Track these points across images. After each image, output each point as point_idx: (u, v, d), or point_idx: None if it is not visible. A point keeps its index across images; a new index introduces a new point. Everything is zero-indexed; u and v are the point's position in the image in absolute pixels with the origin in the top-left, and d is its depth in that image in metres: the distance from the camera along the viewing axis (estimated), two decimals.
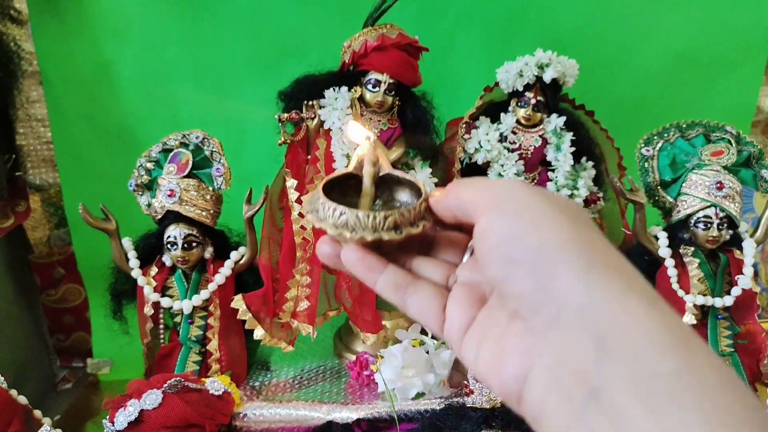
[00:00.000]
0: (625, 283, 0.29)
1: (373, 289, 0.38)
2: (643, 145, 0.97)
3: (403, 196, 0.42)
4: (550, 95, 0.94)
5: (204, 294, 0.88)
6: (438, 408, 0.81)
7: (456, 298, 0.36)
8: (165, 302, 0.88)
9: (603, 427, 0.27)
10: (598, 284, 0.29)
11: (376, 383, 0.87)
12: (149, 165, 0.91)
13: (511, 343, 0.32)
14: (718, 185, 0.90)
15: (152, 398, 0.71)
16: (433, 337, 0.91)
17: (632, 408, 0.26)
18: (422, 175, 0.93)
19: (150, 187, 0.91)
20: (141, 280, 0.88)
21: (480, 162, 0.95)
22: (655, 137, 0.97)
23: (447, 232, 0.40)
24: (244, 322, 0.88)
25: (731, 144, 0.94)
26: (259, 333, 0.87)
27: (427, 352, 0.88)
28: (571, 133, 0.95)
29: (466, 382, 0.71)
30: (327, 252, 0.38)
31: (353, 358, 0.92)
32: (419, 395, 0.84)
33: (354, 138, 0.43)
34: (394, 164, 0.94)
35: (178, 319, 0.90)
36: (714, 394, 0.26)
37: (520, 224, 0.32)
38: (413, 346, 0.88)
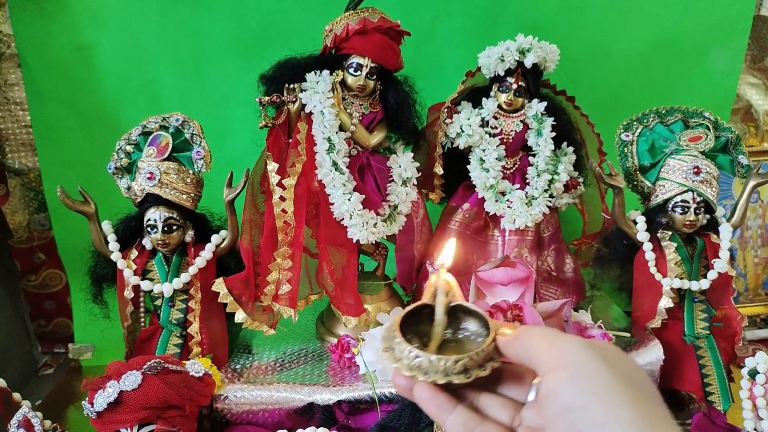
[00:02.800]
0: None
1: (443, 427, 0.40)
2: (622, 130, 0.98)
3: (472, 325, 0.45)
4: (531, 80, 0.94)
5: (185, 277, 0.88)
6: None
7: None
8: (145, 285, 0.88)
9: None
10: None
11: (358, 366, 0.87)
12: (129, 148, 0.90)
13: None
14: (696, 170, 0.91)
15: (132, 379, 0.71)
16: None
17: None
18: (404, 159, 0.93)
19: (129, 170, 0.90)
20: (121, 264, 0.87)
21: (461, 147, 0.96)
22: (635, 123, 0.98)
23: (514, 365, 0.42)
24: (225, 305, 0.88)
25: (709, 130, 0.96)
26: (240, 316, 0.87)
27: None
28: (552, 119, 0.95)
29: None
30: (402, 384, 0.41)
31: (335, 341, 0.93)
32: None
33: (439, 257, 0.45)
34: (377, 148, 0.94)
35: (158, 302, 0.90)
36: None
37: (585, 395, 0.33)
38: None
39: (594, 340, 0.38)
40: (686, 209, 0.91)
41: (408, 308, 0.44)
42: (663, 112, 0.98)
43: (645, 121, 0.98)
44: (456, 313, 0.45)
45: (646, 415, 0.33)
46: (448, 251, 0.46)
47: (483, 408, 0.41)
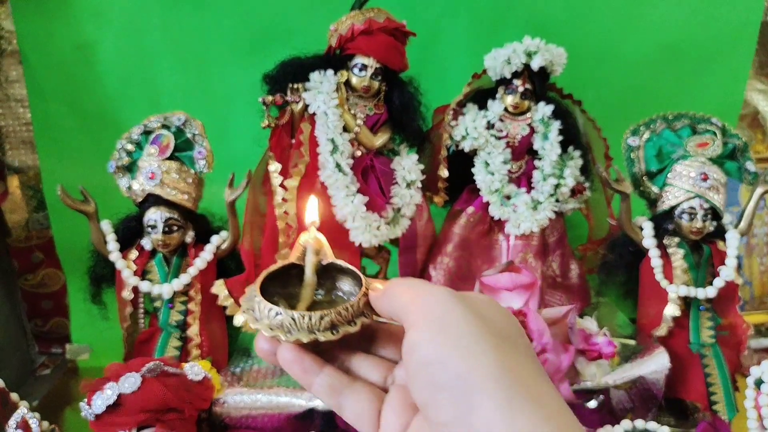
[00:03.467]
0: (545, 414, 0.29)
1: (309, 390, 0.38)
2: (629, 135, 0.97)
3: (346, 285, 0.42)
4: (537, 83, 0.93)
5: (184, 278, 0.87)
6: None
7: (391, 403, 0.36)
8: (144, 286, 0.87)
9: None
10: (517, 416, 0.29)
11: None
12: (130, 147, 0.89)
13: None
14: (703, 176, 0.90)
15: (131, 381, 0.70)
16: None
17: None
18: (408, 161, 0.92)
19: (130, 169, 0.89)
20: (120, 264, 0.86)
21: (467, 149, 0.95)
22: (642, 128, 0.97)
23: (390, 323, 0.39)
24: (225, 307, 0.87)
25: (716, 136, 0.95)
26: (239, 319, 0.86)
27: None
28: (559, 122, 0.94)
29: None
30: (264, 349, 0.38)
31: None
32: None
33: (306, 216, 0.42)
34: (381, 149, 0.93)
35: (158, 303, 0.89)
36: None
37: (445, 347, 0.31)
38: None
39: (466, 292, 0.36)
40: (693, 216, 0.90)
41: (271, 268, 0.41)
42: (670, 117, 0.97)
43: (652, 126, 0.97)
44: (330, 273, 0.42)
45: (509, 363, 0.31)
46: (312, 209, 0.42)
47: (354, 369, 0.38)
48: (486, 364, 0.30)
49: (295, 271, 0.41)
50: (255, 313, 0.37)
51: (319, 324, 0.36)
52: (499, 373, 0.30)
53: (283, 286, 0.41)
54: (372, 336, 0.40)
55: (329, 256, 0.41)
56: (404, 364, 0.34)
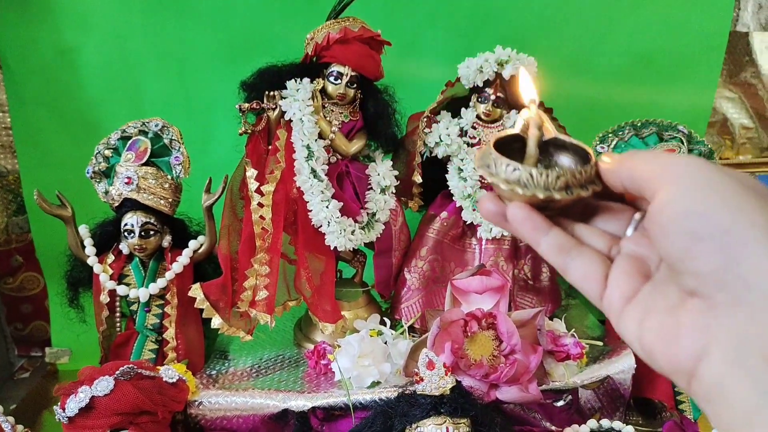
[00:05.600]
0: None
1: (536, 249, 0.38)
2: (598, 142, 1.00)
3: (566, 161, 0.41)
4: (509, 92, 0.96)
5: (161, 282, 0.88)
6: (392, 396, 0.82)
7: (620, 268, 0.35)
8: (121, 290, 0.88)
9: None
10: None
11: (333, 372, 0.88)
12: (107, 152, 0.90)
13: (686, 319, 0.31)
14: None
15: (103, 385, 0.71)
16: (391, 327, 0.92)
17: None
18: (383, 167, 0.94)
19: (108, 174, 0.90)
20: (97, 268, 0.87)
21: (440, 156, 0.97)
22: (610, 135, 1.00)
23: (609, 203, 0.39)
24: (202, 311, 0.88)
25: (683, 143, 0.98)
26: (216, 322, 0.87)
27: (385, 342, 0.89)
28: None
29: (416, 371, 0.72)
30: (491, 209, 0.38)
31: (312, 347, 0.93)
32: (375, 384, 0.85)
33: (523, 93, 0.42)
34: (356, 155, 0.95)
35: (134, 307, 0.90)
36: None
37: (708, 200, 0.30)
38: (371, 336, 0.89)
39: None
40: None
41: (498, 135, 0.41)
42: (638, 124, 1.00)
43: (620, 133, 0.99)
44: (548, 149, 0.41)
45: None
46: (528, 86, 0.42)
47: (578, 236, 0.38)
48: (753, 215, 0.29)
49: (517, 145, 0.41)
50: (491, 168, 0.38)
51: (555, 182, 0.36)
52: (766, 227, 0.29)
53: (507, 155, 0.40)
54: (593, 212, 0.39)
55: (552, 131, 0.41)
56: (652, 221, 0.33)
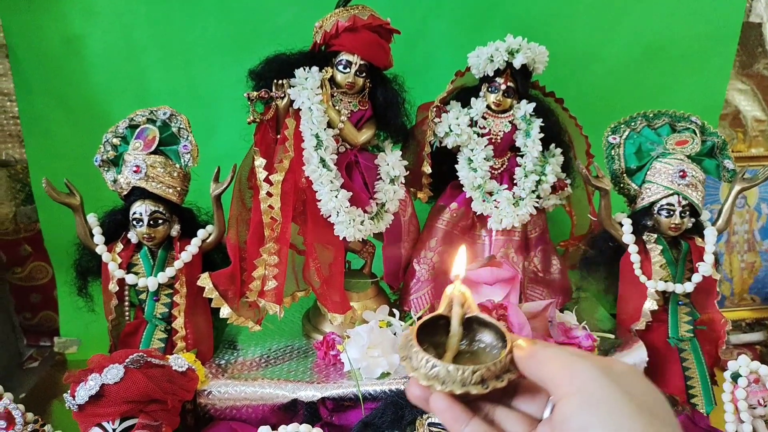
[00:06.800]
0: None
1: None
2: (610, 133, 0.99)
3: (487, 337, 0.45)
4: (520, 81, 0.95)
5: (170, 271, 0.88)
6: (402, 387, 0.82)
7: None
8: (130, 279, 0.87)
9: None
10: None
11: (342, 363, 0.87)
12: (115, 141, 0.90)
13: None
14: (681, 174, 0.91)
15: (113, 372, 0.71)
16: (400, 319, 0.91)
17: None
18: (392, 157, 0.94)
19: (116, 163, 0.90)
20: (106, 257, 0.87)
21: (450, 146, 0.96)
22: (622, 125, 0.99)
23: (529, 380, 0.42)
24: (210, 300, 0.88)
25: (696, 134, 0.96)
26: (225, 311, 0.87)
27: (394, 334, 0.89)
28: (541, 120, 0.96)
29: None
30: (417, 395, 0.42)
31: (320, 338, 0.93)
32: (384, 375, 0.85)
33: (453, 268, 0.46)
34: (365, 145, 0.94)
35: (143, 296, 0.90)
36: None
37: (601, 424, 0.34)
38: (380, 327, 0.88)
39: (610, 361, 0.39)
40: (672, 212, 0.92)
41: (423, 319, 0.45)
42: (650, 115, 0.99)
43: (632, 124, 0.98)
44: (471, 325, 0.45)
45: None
46: (460, 262, 0.46)
47: (498, 422, 0.41)
48: None
49: (442, 322, 0.45)
50: (412, 362, 0.41)
51: (471, 377, 0.39)
52: None
53: (431, 335, 0.44)
54: (514, 390, 0.42)
55: (473, 309, 0.44)
56: (554, 428, 0.37)
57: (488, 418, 0.41)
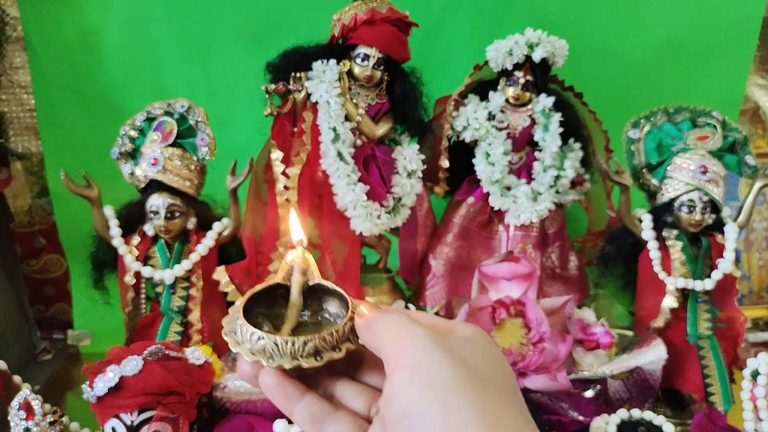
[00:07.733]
0: None
1: (291, 418, 0.36)
2: (630, 128, 0.97)
3: (332, 307, 0.40)
4: (539, 75, 0.94)
5: (186, 264, 0.87)
6: None
7: None
8: (146, 272, 0.87)
9: None
10: None
11: None
12: (133, 133, 0.89)
13: None
14: (703, 169, 0.90)
15: (132, 364, 0.71)
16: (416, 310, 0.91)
17: None
18: (410, 151, 0.93)
19: (133, 155, 0.90)
20: (122, 249, 0.87)
21: (467, 140, 0.95)
22: (642, 120, 0.97)
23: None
24: (226, 293, 0.87)
25: (717, 129, 0.95)
26: None
27: None
28: (560, 114, 0.95)
29: None
30: (246, 371, 0.37)
31: None
32: None
33: (292, 233, 0.41)
34: (382, 139, 0.93)
35: (159, 289, 0.90)
36: None
37: (425, 400, 0.31)
38: None
39: (450, 327, 0.36)
40: (692, 208, 0.91)
41: (256, 288, 0.39)
42: (671, 110, 0.97)
43: (653, 119, 0.97)
44: (316, 294, 0.40)
45: (492, 416, 0.30)
46: (296, 225, 0.41)
47: (339, 396, 0.37)
48: (467, 418, 0.30)
49: (280, 292, 0.40)
50: (237, 336, 0.36)
51: (302, 350, 0.35)
52: (477, 423, 0.30)
53: (268, 306, 0.39)
54: (359, 360, 0.38)
55: (316, 277, 0.40)
56: (383, 410, 0.33)
57: (327, 393, 0.37)
